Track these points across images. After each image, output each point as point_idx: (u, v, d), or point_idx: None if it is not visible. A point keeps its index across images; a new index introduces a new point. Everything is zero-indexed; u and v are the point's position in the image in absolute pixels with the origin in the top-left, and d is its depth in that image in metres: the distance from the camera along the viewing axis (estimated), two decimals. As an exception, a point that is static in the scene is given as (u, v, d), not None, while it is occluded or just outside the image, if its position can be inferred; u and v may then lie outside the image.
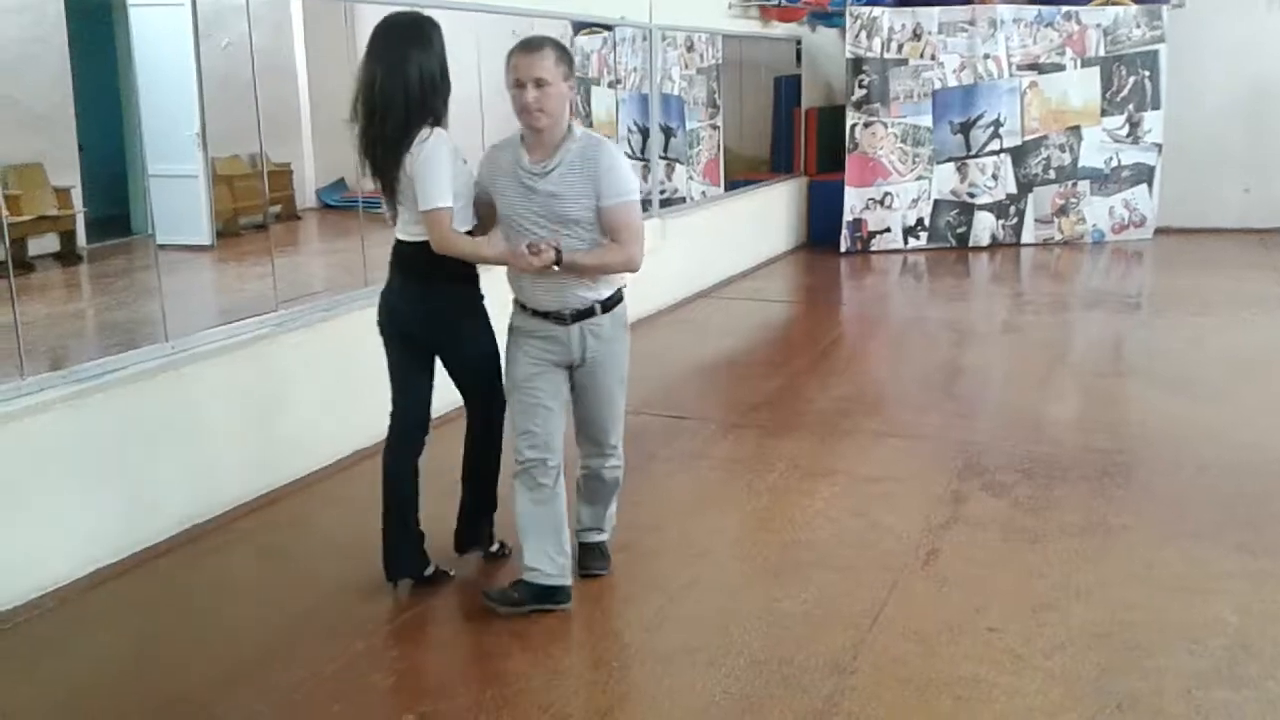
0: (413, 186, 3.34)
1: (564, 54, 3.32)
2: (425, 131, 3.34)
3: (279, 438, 4.64)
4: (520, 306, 3.49)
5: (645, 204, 8.36)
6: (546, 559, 3.45)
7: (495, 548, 3.90)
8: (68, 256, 9.11)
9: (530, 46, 3.30)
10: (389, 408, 3.64)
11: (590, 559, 3.77)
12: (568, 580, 3.51)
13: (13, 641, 3.44)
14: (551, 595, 3.47)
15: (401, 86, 3.32)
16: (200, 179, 9.37)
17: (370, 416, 5.03)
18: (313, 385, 4.80)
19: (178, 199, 9.13)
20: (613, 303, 3.53)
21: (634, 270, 3.46)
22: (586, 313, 3.44)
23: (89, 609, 3.67)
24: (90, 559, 3.86)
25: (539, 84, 3.25)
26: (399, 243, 3.52)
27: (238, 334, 4.56)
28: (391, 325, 3.57)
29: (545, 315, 3.43)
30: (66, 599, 3.70)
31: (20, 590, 3.63)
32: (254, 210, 10.81)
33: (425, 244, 3.39)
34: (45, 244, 9.00)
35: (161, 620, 3.61)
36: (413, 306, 3.52)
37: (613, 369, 3.58)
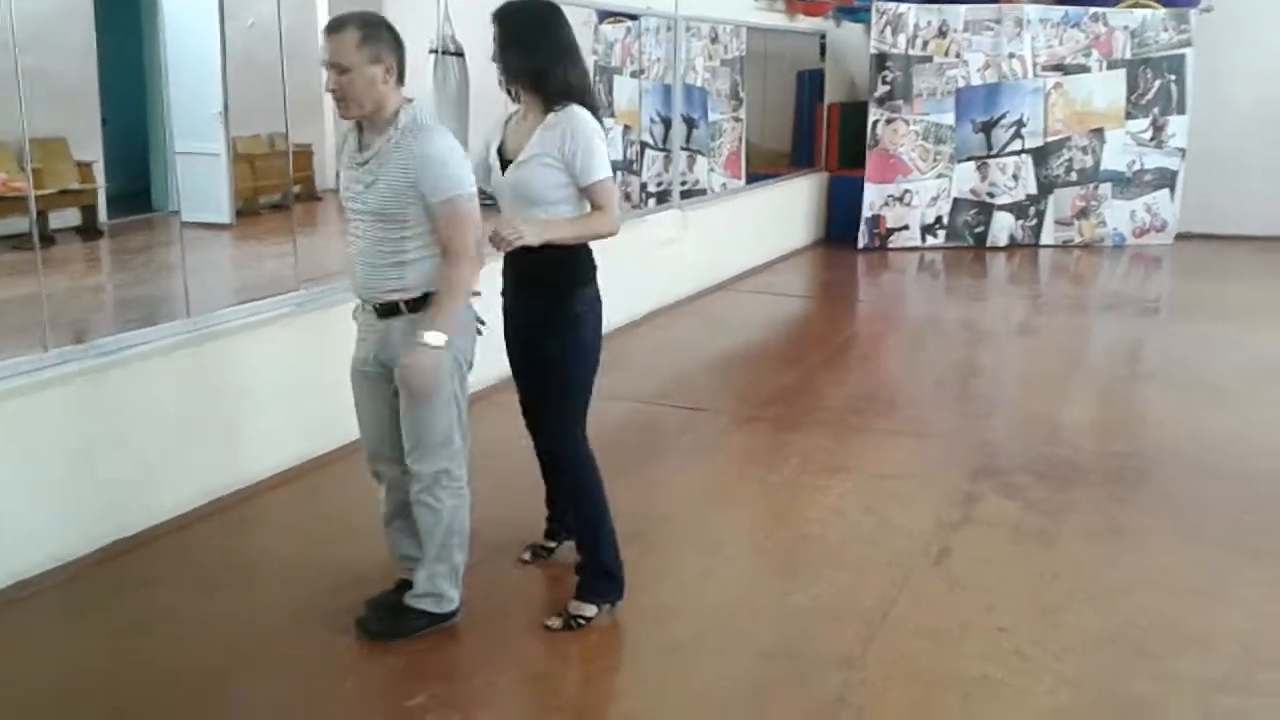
0: None
1: (372, 32, 2.94)
2: None
3: (299, 416, 4.66)
4: None
5: (665, 195, 8.38)
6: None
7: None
8: (89, 231, 9.17)
9: (331, 26, 2.95)
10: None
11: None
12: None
13: (26, 613, 3.47)
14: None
15: None
16: (222, 157, 9.43)
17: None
18: (333, 364, 4.80)
19: (199, 177, 9.19)
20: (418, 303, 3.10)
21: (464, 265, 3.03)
22: (391, 309, 3.12)
23: (103, 582, 3.69)
24: (108, 532, 3.89)
25: (339, 69, 2.93)
26: None
27: (259, 312, 4.58)
28: None
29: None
30: (81, 572, 3.73)
31: (34, 562, 3.65)
32: (274, 190, 10.87)
33: None
34: (66, 218, 9.06)
35: (176, 595, 3.63)
36: None
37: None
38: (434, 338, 2.97)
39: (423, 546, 3.28)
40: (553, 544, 3.80)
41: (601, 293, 3.35)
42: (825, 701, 2.97)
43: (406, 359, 3.00)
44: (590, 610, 3.38)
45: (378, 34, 2.97)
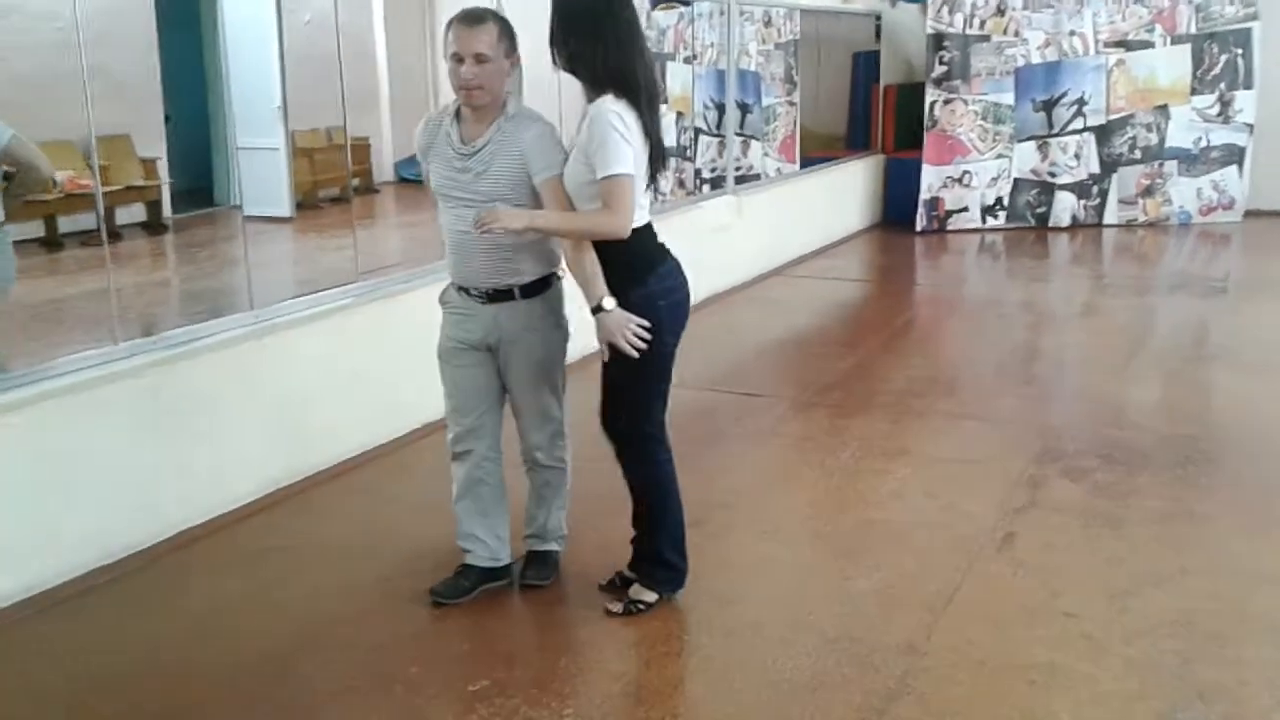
0: None
1: (507, 28, 3.19)
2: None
3: (360, 405, 4.72)
4: None
5: (719, 181, 8.35)
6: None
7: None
8: (154, 226, 9.36)
9: (471, 19, 3.15)
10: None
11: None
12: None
13: (103, 598, 3.57)
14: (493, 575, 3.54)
15: None
16: (281, 152, 9.54)
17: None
18: (392, 355, 4.87)
19: (260, 171, 9.31)
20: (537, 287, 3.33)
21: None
22: (504, 294, 3.32)
23: (176, 569, 3.79)
24: (177, 521, 3.98)
25: (479, 59, 3.12)
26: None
27: (320, 304, 4.65)
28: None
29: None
30: (156, 558, 3.82)
31: (109, 550, 3.75)
32: (333, 183, 11.00)
33: None
34: (132, 213, 9.25)
35: (246, 581, 3.70)
36: None
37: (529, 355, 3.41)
38: (608, 301, 3.10)
39: (552, 499, 3.59)
40: (633, 575, 3.53)
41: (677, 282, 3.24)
42: (888, 687, 2.96)
43: (602, 334, 3.12)
44: (650, 596, 3.39)
45: (511, 31, 3.22)
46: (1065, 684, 2.96)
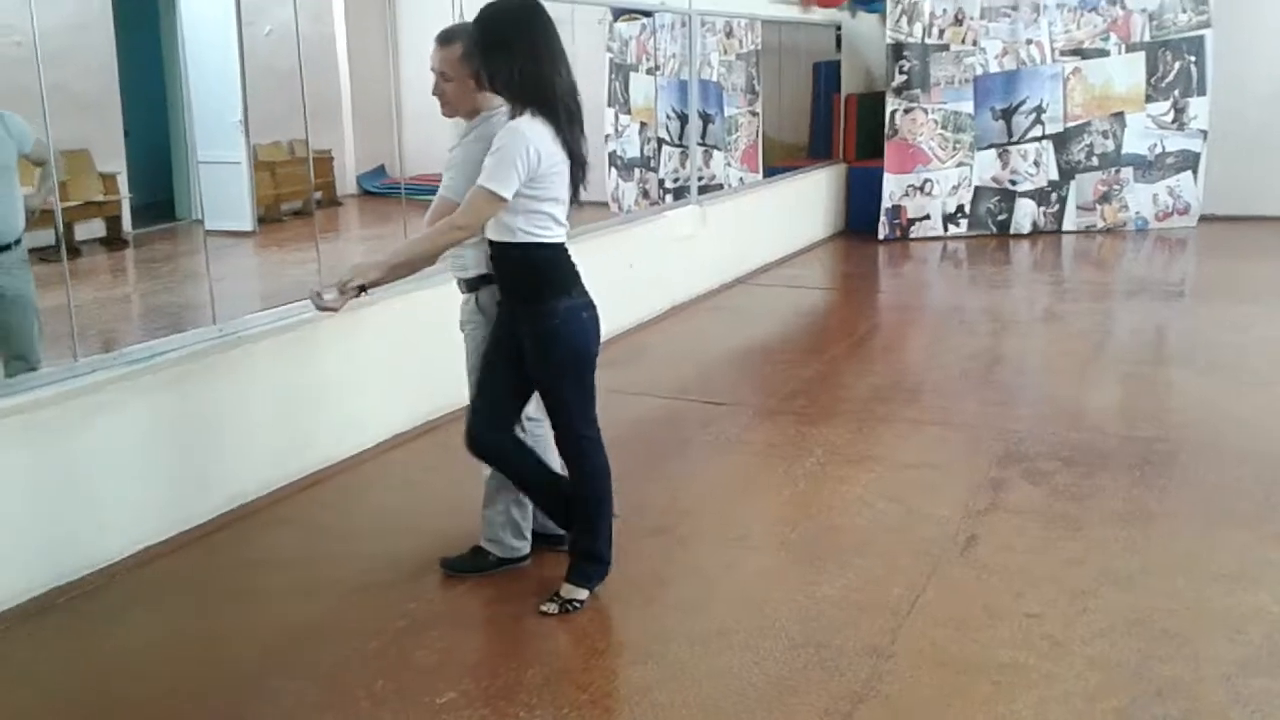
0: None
1: (471, 50, 3.29)
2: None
3: (325, 418, 4.71)
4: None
5: (682, 191, 8.39)
6: None
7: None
8: (114, 242, 9.27)
9: (441, 38, 3.42)
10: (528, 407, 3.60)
11: None
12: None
13: (64, 617, 3.53)
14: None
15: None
16: (243, 165, 9.50)
17: (413, 398, 5.13)
18: (357, 368, 4.86)
19: (221, 185, 9.26)
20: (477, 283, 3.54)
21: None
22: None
23: (138, 587, 3.75)
24: (140, 537, 3.94)
25: (444, 76, 3.40)
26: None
27: (284, 317, 4.62)
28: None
29: None
30: (116, 576, 3.78)
31: (71, 567, 3.72)
32: (295, 196, 10.95)
33: None
34: (92, 229, 9.16)
35: (209, 597, 3.68)
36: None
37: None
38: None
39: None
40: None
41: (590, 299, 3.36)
42: (854, 690, 2.98)
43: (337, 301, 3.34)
44: (582, 594, 3.49)
45: (475, 50, 3.27)
46: (1028, 683, 3.00)
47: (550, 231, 3.26)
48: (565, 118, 3.19)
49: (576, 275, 3.36)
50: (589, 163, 3.36)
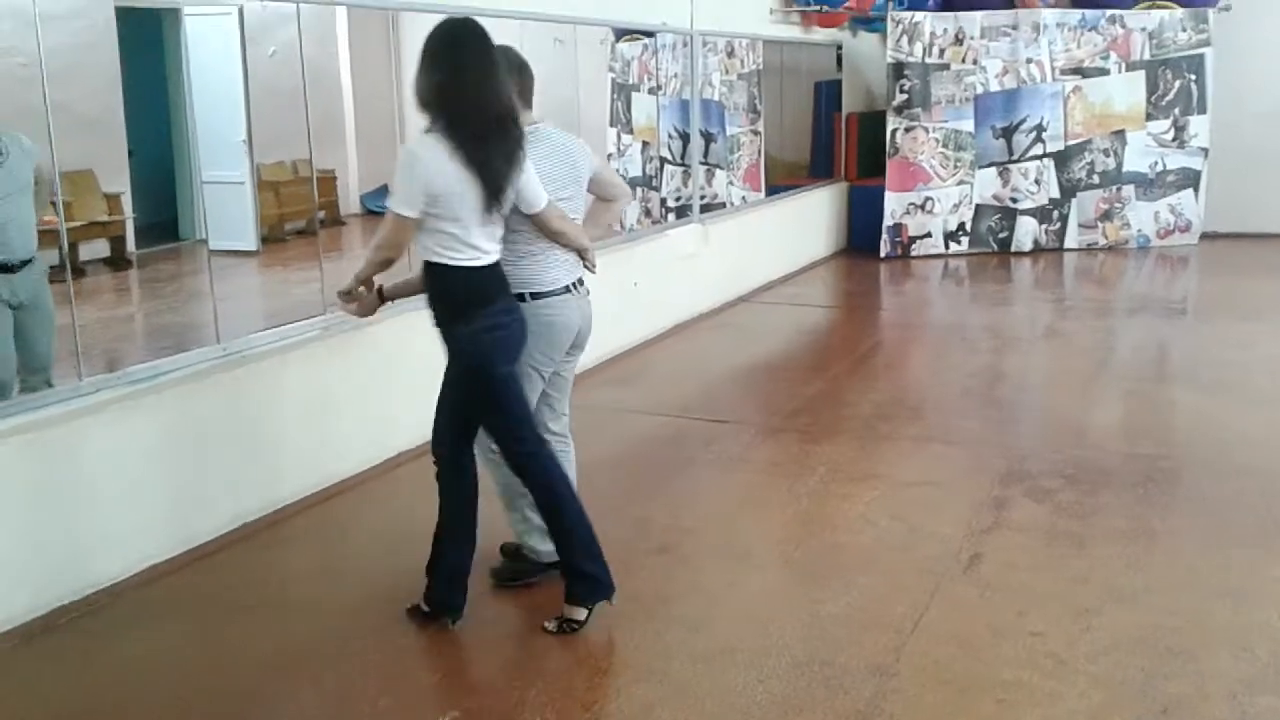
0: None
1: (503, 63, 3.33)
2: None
3: (329, 438, 4.71)
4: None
5: (685, 210, 8.41)
6: None
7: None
8: (118, 262, 9.27)
9: None
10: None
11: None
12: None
13: (68, 636, 3.53)
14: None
15: (506, 89, 3.26)
16: (247, 185, 9.52)
17: (416, 418, 5.11)
18: (360, 387, 4.87)
19: (225, 205, 9.27)
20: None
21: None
22: None
23: (142, 605, 3.75)
24: (144, 556, 3.94)
25: None
26: (498, 264, 3.35)
27: (287, 336, 4.64)
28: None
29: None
30: (120, 595, 3.78)
31: (76, 586, 3.72)
32: (299, 216, 10.96)
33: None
34: (96, 249, 9.16)
35: (212, 615, 3.68)
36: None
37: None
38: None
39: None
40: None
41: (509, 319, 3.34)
42: (858, 710, 2.98)
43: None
44: (580, 614, 3.44)
45: (506, 65, 3.31)
46: (1032, 702, 2.99)
47: (455, 253, 3.22)
48: (473, 135, 3.13)
49: (486, 298, 3.29)
50: (508, 184, 3.23)
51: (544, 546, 3.66)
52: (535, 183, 3.36)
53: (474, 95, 3.15)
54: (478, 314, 3.28)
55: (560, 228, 3.46)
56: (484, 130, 3.16)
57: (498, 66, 3.22)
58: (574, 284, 3.58)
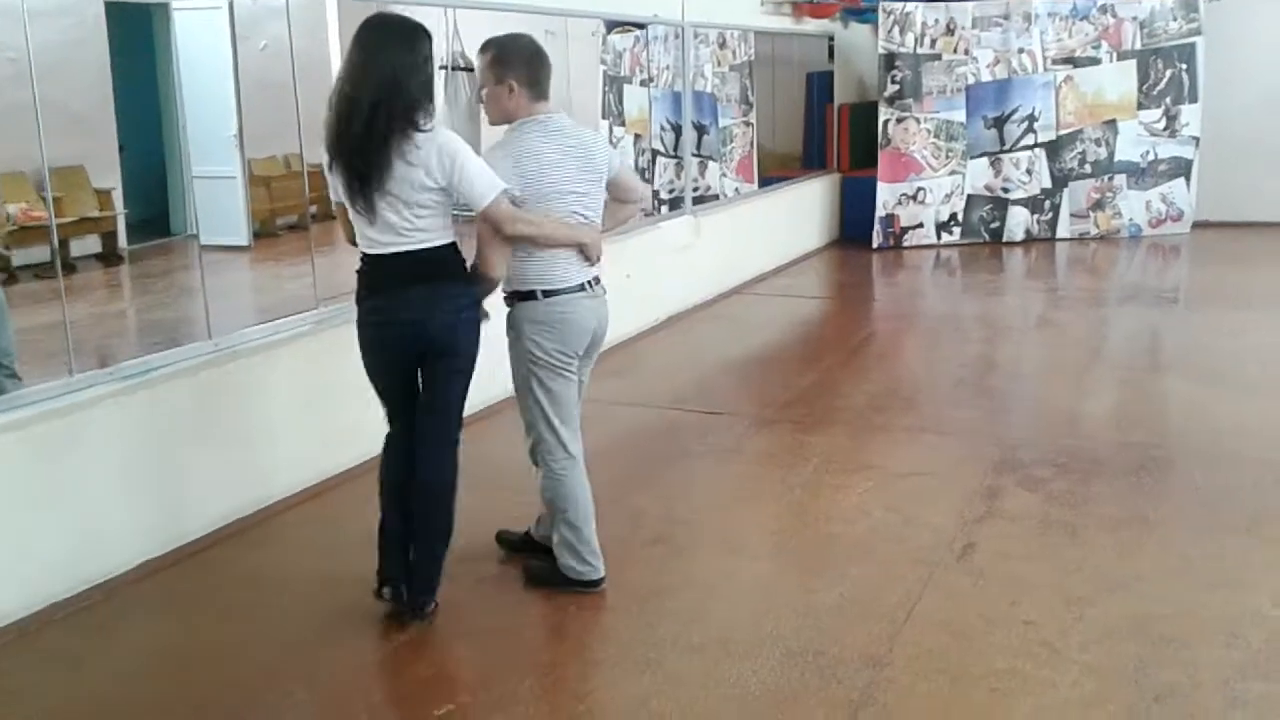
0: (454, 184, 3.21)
1: (498, 57, 3.40)
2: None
3: (322, 432, 4.70)
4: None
5: (678, 201, 8.42)
6: None
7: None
8: (109, 257, 9.25)
9: (480, 49, 3.54)
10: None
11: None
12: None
13: (62, 633, 3.53)
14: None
15: (389, 80, 3.17)
16: (238, 180, 9.50)
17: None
18: (352, 382, 4.84)
19: (216, 200, 9.26)
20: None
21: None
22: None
23: (135, 601, 3.74)
24: (137, 552, 3.93)
25: (481, 84, 3.53)
26: (413, 253, 3.28)
27: (280, 331, 4.63)
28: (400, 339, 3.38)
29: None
30: (114, 591, 3.78)
31: (68, 583, 3.71)
32: (290, 211, 10.93)
33: (445, 247, 3.32)
34: (87, 245, 9.14)
35: (207, 612, 3.67)
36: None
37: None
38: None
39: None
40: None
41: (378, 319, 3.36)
42: (851, 699, 2.98)
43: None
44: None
45: (503, 59, 3.39)
46: (1025, 690, 3.00)
47: (362, 239, 3.33)
48: (335, 128, 3.21)
49: (372, 289, 3.34)
50: (373, 175, 3.17)
51: (573, 564, 3.60)
52: (481, 180, 3.21)
53: (353, 91, 3.19)
54: (366, 302, 3.37)
55: (520, 231, 3.31)
56: (343, 126, 3.20)
57: (377, 55, 3.19)
58: (588, 282, 3.49)
